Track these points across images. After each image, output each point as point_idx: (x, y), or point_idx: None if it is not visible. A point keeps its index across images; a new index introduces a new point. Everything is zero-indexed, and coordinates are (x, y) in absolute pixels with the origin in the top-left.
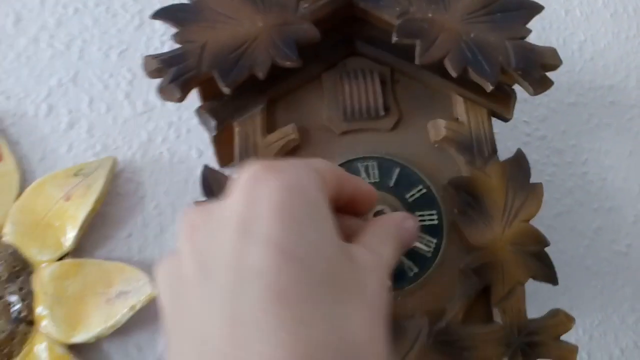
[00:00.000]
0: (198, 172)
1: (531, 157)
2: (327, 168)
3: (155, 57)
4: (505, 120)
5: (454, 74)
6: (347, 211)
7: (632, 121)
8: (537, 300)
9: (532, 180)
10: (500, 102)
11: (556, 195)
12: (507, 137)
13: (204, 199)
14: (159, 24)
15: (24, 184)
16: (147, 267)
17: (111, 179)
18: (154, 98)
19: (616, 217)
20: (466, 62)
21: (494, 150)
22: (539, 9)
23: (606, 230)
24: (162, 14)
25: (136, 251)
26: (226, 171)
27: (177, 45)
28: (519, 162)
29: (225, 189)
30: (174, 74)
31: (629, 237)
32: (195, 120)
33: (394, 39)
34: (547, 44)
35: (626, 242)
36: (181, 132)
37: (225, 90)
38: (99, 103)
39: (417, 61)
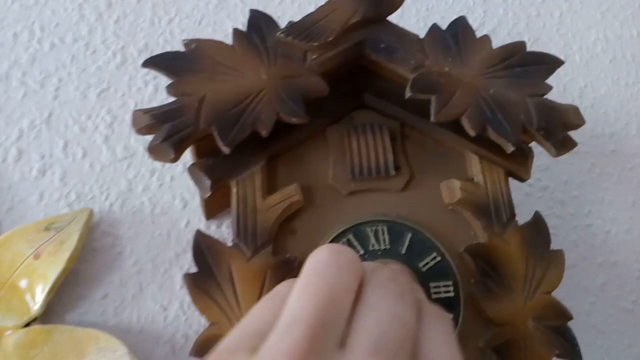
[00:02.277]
0: (182, 224)
1: (533, 208)
2: None
3: (146, 111)
4: (522, 180)
5: (472, 133)
6: None
7: (633, 170)
8: None
9: None
10: (518, 162)
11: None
12: None
13: (195, 269)
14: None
15: None
16: (123, 332)
17: (86, 233)
18: (136, 142)
19: (621, 272)
20: (485, 121)
21: (513, 215)
22: (559, 63)
23: (611, 285)
24: (154, 63)
25: (112, 314)
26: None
27: (171, 98)
28: (538, 227)
29: (219, 257)
30: (168, 131)
31: (634, 294)
32: (180, 167)
33: (408, 94)
34: None
35: (632, 298)
36: (164, 180)
37: (225, 150)
38: (75, 148)
39: (432, 118)
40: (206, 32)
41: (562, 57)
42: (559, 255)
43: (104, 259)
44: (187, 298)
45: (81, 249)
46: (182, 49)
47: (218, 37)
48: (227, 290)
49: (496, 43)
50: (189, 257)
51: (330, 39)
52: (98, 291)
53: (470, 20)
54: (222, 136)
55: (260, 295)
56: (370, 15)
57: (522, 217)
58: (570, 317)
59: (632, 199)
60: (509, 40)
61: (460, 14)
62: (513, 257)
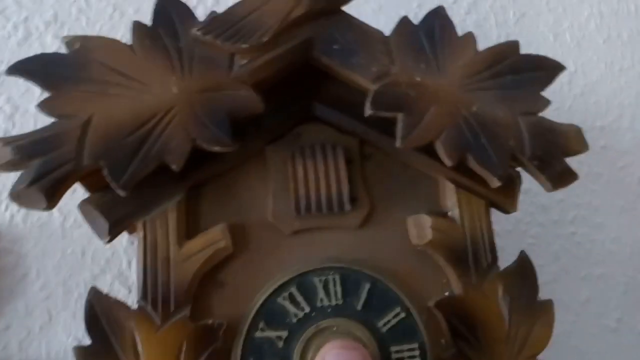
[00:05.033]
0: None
1: (513, 215)
2: None
3: (8, 142)
4: (507, 213)
5: (448, 163)
6: None
7: (624, 170)
8: None
9: (514, 247)
10: (502, 191)
11: (540, 261)
12: None
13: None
14: (51, 36)
15: None
16: None
17: None
18: None
19: (606, 287)
20: (466, 147)
21: (494, 259)
22: (559, 69)
23: (595, 302)
24: (24, 69)
25: (16, 349)
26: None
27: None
28: (524, 271)
29: (120, 325)
30: (38, 170)
31: (619, 310)
32: None
33: (368, 111)
34: None
35: (616, 315)
36: (77, 186)
37: (121, 192)
38: None
39: (398, 143)
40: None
41: (551, 36)
42: (547, 307)
43: (5, 282)
44: None
45: None
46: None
47: (146, 7)
48: None
49: (477, 19)
50: (108, 278)
51: (266, 38)
52: None
53: None
54: (114, 175)
55: None
56: (320, 6)
57: (500, 225)
58: None
59: (621, 203)
60: (491, 18)
61: None
62: (492, 314)
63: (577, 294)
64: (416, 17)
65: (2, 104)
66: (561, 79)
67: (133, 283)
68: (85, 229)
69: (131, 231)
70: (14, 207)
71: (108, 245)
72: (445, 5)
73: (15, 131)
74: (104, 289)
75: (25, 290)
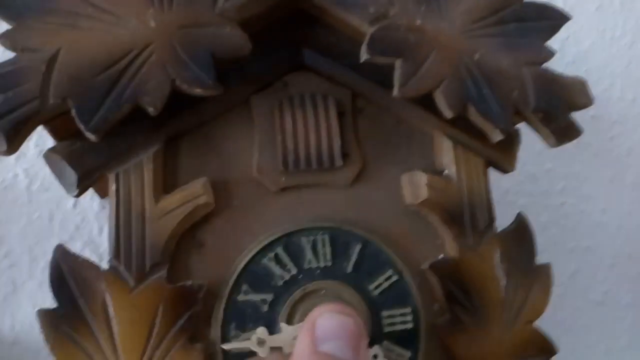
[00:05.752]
0: (69, 204)
1: (501, 184)
2: None
3: None
4: (505, 172)
5: (448, 114)
6: None
7: (614, 141)
8: None
9: (503, 217)
10: (501, 149)
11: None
12: None
13: (55, 302)
14: None
15: None
16: None
17: None
18: None
19: (593, 259)
20: (467, 98)
21: (492, 220)
22: (564, 19)
23: (582, 275)
24: None
25: None
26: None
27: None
28: (521, 234)
29: (90, 286)
30: None
31: (606, 284)
32: None
33: (364, 56)
34: None
35: (603, 289)
36: (45, 145)
37: (91, 137)
38: None
39: (396, 92)
40: None
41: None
42: (544, 271)
43: None
44: None
45: None
46: None
47: None
48: (101, 334)
49: None
50: (78, 246)
51: None
52: None
53: None
54: (83, 116)
55: (148, 340)
56: None
57: None
58: (554, 352)
59: (610, 174)
60: None
61: None
62: (489, 277)
63: (565, 267)
64: None
65: None
66: (552, 45)
67: (104, 251)
68: (54, 192)
69: (103, 194)
70: None
71: (78, 211)
72: None
73: None
74: None
75: None
